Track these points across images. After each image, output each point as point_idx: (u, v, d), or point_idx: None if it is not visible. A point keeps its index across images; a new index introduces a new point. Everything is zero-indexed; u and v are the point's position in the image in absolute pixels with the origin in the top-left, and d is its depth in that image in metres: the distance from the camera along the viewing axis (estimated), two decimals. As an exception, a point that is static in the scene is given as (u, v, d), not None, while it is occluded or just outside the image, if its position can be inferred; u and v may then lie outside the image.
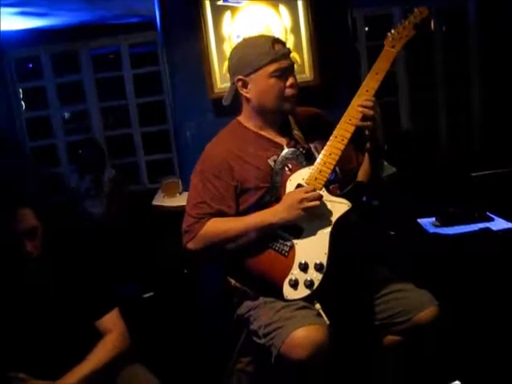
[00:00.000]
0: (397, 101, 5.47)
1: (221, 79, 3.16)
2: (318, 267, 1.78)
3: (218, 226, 1.90)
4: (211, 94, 3.17)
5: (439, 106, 5.52)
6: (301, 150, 1.93)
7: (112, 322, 1.92)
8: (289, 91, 1.92)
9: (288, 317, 1.76)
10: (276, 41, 1.93)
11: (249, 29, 3.12)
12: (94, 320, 1.91)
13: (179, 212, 2.06)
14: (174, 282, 3.43)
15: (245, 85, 1.94)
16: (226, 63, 3.12)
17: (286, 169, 1.90)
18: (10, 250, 1.81)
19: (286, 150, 1.94)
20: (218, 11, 3.13)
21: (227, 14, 3.14)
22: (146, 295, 3.26)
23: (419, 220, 3.23)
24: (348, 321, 1.89)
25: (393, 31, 1.93)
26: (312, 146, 1.97)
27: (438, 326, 1.88)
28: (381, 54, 1.91)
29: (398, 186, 3.31)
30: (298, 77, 1.98)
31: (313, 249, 1.81)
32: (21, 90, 5.70)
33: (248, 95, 1.95)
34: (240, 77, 1.94)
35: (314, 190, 1.81)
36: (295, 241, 1.84)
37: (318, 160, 1.86)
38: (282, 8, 3.15)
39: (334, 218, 1.82)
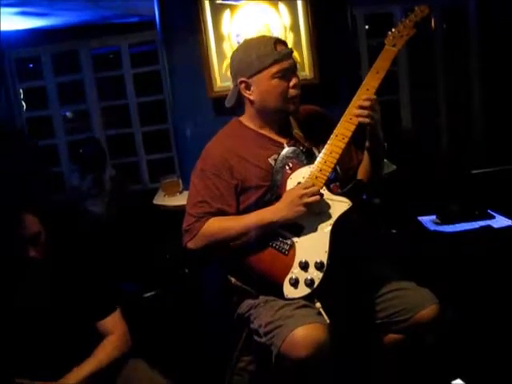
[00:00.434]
0: (397, 99, 5.46)
1: (220, 78, 3.16)
2: (319, 266, 1.79)
3: (219, 225, 1.90)
4: (211, 92, 3.17)
5: (440, 104, 5.51)
6: (301, 148, 1.93)
7: (113, 324, 1.92)
8: (292, 92, 1.92)
9: (288, 315, 1.76)
10: (278, 41, 1.93)
11: (248, 27, 3.11)
12: (95, 321, 1.91)
13: (180, 211, 2.06)
14: (174, 281, 3.43)
15: (247, 87, 1.94)
16: (226, 62, 3.12)
17: (287, 167, 1.91)
18: (13, 255, 1.82)
19: (286, 149, 1.94)
20: (217, 10, 3.13)
21: (226, 13, 3.13)
22: (147, 294, 3.26)
23: (420, 218, 3.24)
24: (348, 319, 1.89)
25: (393, 30, 1.94)
26: (312, 144, 1.97)
27: (439, 324, 1.88)
28: (381, 52, 1.92)
29: (399, 183, 3.31)
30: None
31: (313, 247, 1.82)
32: (21, 90, 5.70)
33: (251, 97, 1.95)
34: (242, 79, 1.94)
35: (313, 185, 1.81)
36: (295, 239, 1.84)
37: (319, 159, 1.86)
38: (282, 6, 3.15)
39: (334, 217, 1.82)
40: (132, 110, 5.67)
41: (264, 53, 1.89)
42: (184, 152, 3.45)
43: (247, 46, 1.97)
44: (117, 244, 3.84)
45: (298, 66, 2.01)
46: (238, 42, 3.08)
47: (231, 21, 3.14)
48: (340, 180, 1.95)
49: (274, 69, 1.88)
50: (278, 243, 1.85)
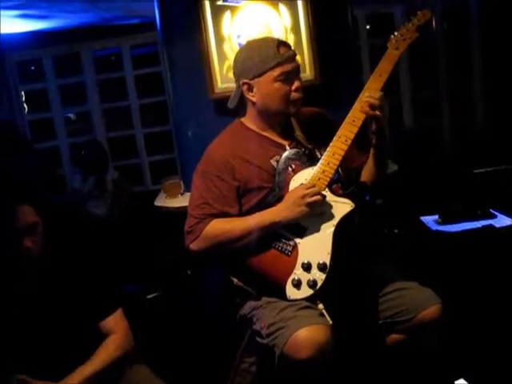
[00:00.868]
0: (399, 99, 5.46)
1: (221, 79, 3.16)
2: (321, 267, 1.78)
3: (221, 227, 1.90)
4: (211, 93, 3.17)
5: (442, 104, 5.51)
6: (303, 150, 1.93)
7: (115, 323, 1.92)
8: (295, 95, 1.91)
9: (291, 317, 1.75)
10: (281, 43, 1.92)
11: (249, 28, 3.12)
12: (97, 321, 1.90)
13: (182, 213, 2.06)
14: (176, 282, 3.43)
15: (250, 88, 1.93)
16: (227, 63, 3.12)
17: (289, 169, 1.91)
18: (8, 246, 1.80)
19: (288, 151, 1.94)
20: (217, 11, 3.13)
21: (227, 14, 3.13)
22: (149, 296, 3.26)
23: (422, 218, 3.24)
24: (351, 320, 1.89)
25: (396, 33, 1.95)
26: (315, 146, 1.97)
27: (442, 324, 1.88)
28: (384, 55, 1.92)
29: (401, 183, 3.31)
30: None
31: (316, 249, 1.81)
32: (23, 93, 5.71)
33: (253, 99, 1.95)
34: (245, 80, 1.93)
35: (315, 185, 1.81)
36: (298, 240, 1.84)
37: (322, 160, 1.86)
38: (282, 7, 3.15)
39: (337, 218, 1.82)
40: (134, 112, 5.68)
41: (267, 55, 1.88)
42: (185, 153, 3.45)
43: (250, 48, 1.96)
44: (119, 246, 3.85)
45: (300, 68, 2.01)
46: (239, 44, 3.09)
47: (232, 22, 3.14)
48: (342, 181, 1.95)
49: (277, 71, 1.88)
50: (281, 244, 1.85)
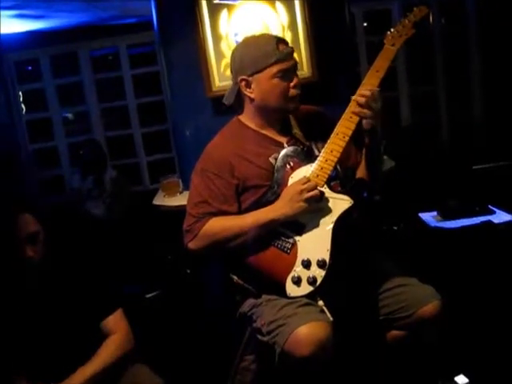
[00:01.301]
0: (397, 95, 5.46)
1: (219, 77, 3.16)
2: (321, 264, 1.78)
3: (219, 225, 1.90)
4: (209, 92, 3.17)
5: (439, 100, 5.51)
6: (301, 147, 1.93)
7: (116, 323, 1.92)
8: (293, 92, 1.91)
9: (291, 314, 1.76)
10: (280, 40, 1.92)
11: (246, 26, 3.12)
12: (97, 321, 1.91)
13: (180, 211, 2.06)
14: (176, 281, 3.43)
15: (248, 85, 1.93)
16: (224, 62, 3.12)
17: (288, 166, 1.90)
18: (11, 255, 1.81)
19: (286, 148, 1.93)
20: (214, 10, 3.13)
21: (224, 13, 3.13)
22: (149, 295, 3.26)
23: (421, 214, 3.23)
24: (351, 317, 1.89)
25: (392, 30, 1.94)
26: (313, 143, 1.97)
27: (442, 320, 1.88)
28: (381, 52, 1.92)
29: (399, 180, 3.31)
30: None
31: (315, 246, 1.81)
32: (21, 93, 5.70)
33: (251, 95, 1.94)
34: (243, 77, 1.92)
35: (309, 180, 1.81)
36: (297, 238, 1.84)
37: (320, 157, 1.86)
38: (279, 5, 3.15)
39: (335, 215, 1.82)
40: (131, 111, 5.68)
41: (266, 51, 1.88)
42: (183, 152, 3.45)
43: (248, 44, 1.96)
44: (118, 245, 3.85)
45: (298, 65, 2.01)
46: (236, 42, 3.08)
47: (229, 20, 3.14)
48: (340, 178, 1.95)
49: (275, 68, 1.88)
50: (280, 242, 1.85)
